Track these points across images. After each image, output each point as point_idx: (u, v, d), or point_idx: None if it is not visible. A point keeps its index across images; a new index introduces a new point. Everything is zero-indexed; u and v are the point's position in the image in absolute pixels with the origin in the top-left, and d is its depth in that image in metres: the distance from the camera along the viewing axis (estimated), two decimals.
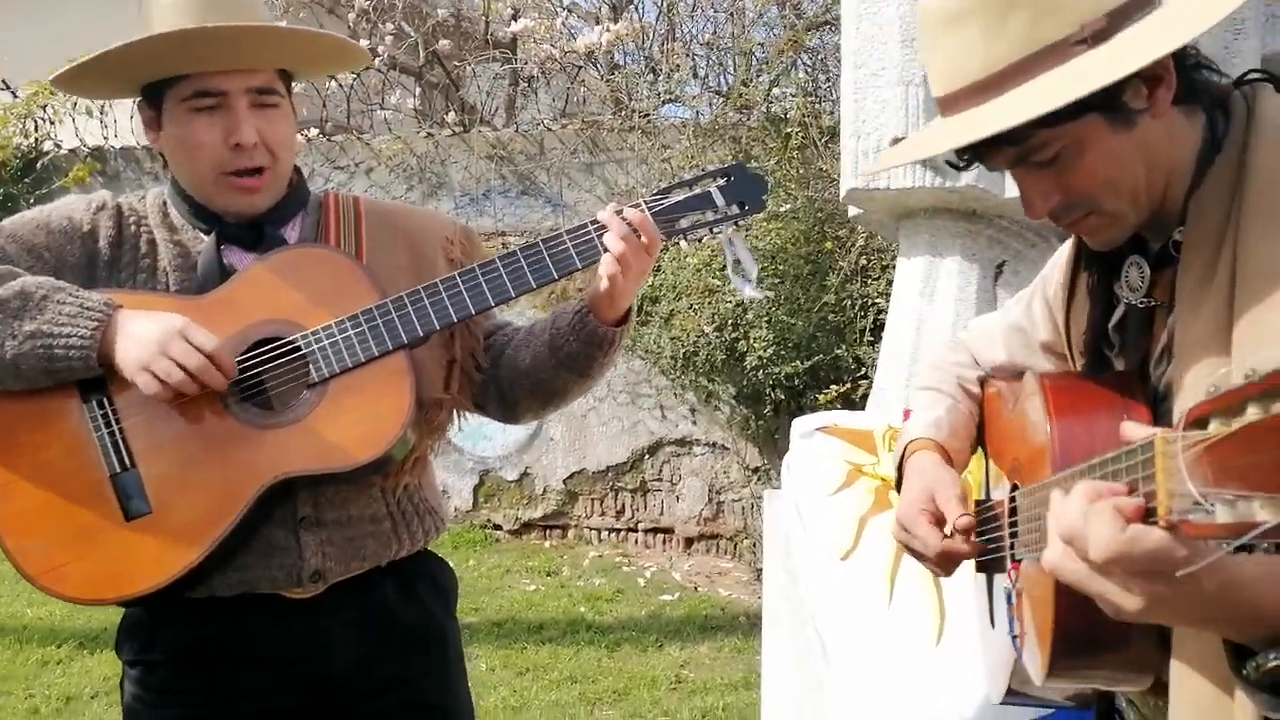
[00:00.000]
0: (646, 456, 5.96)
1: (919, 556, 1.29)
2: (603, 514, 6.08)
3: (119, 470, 1.44)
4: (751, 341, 5.10)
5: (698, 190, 1.56)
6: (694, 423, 5.87)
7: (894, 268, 2.80)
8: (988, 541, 1.30)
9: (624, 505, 6.04)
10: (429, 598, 1.64)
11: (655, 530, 5.98)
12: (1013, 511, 1.21)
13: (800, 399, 5.16)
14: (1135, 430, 0.83)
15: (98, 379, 1.44)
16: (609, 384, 5.94)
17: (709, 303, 5.24)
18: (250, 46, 1.48)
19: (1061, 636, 1.03)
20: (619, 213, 1.49)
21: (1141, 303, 1.12)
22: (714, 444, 5.84)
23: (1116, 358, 1.17)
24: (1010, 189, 2.47)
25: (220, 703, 1.52)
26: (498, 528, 6.19)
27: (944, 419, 1.37)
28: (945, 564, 1.26)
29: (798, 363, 5.04)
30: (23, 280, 1.42)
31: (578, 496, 6.09)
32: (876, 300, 4.87)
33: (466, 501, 6.18)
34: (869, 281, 4.96)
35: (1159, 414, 1.07)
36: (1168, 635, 1.01)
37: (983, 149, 1.05)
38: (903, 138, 2.43)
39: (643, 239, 1.48)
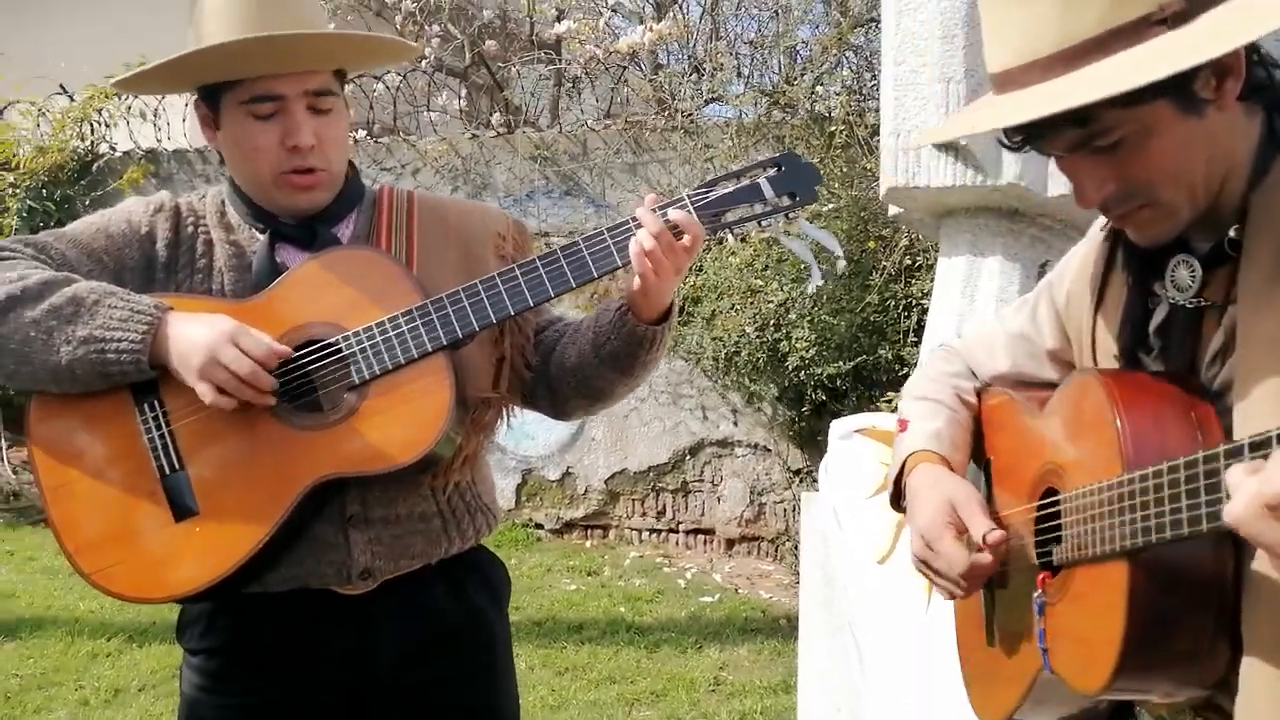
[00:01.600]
0: (688, 457, 5.94)
1: (937, 575, 1.25)
2: (644, 514, 6.07)
3: (169, 471, 1.47)
4: (793, 342, 5.06)
5: (745, 182, 1.50)
6: (735, 424, 5.84)
7: (936, 266, 2.76)
8: (1012, 552, 1.26)
9: (665, 506, 6.03)
10: (479, 595, 1.64)
11: (696, 531, 5.96)
12: (1048, 518, 1.17)
13: (843, 400, 5.12)
14: None
15: (150, 382, 1.47)
16: (651, 384, 5.94)
17: (751, 303, 5.21)
18: (306, 51, 1.49)
19: (1134, 641, 0.99)
20: (662, 210, 1.47)
21: (1191, 303, 1.08)
22: (756, 445, 5.81)
23: (1155, 361, 1.13)
24: (1053, 188, 2.42)
25: (272, 695, 1.55)
26: (539, 527, 6.21)
27: (944, 430, 1.33)
28: (971, 581, 1.22)
29: (840, 363, 4.99)
30: (75, 286, 1.45)
31: (619, 497, 6.10)
32: (921, 300, 4.81)
33: (509, 500, 6.21)
34: (913, 281, 4.91)
35: (1218, 413, 1.03)
36: (1238, 639, 0.98)
37: (1044, 129, 1.02)
38: None
39: (684, 238, 1.45)
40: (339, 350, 1.47)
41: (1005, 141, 1.08)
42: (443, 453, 1.50)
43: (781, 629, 4.59)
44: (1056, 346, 1.31)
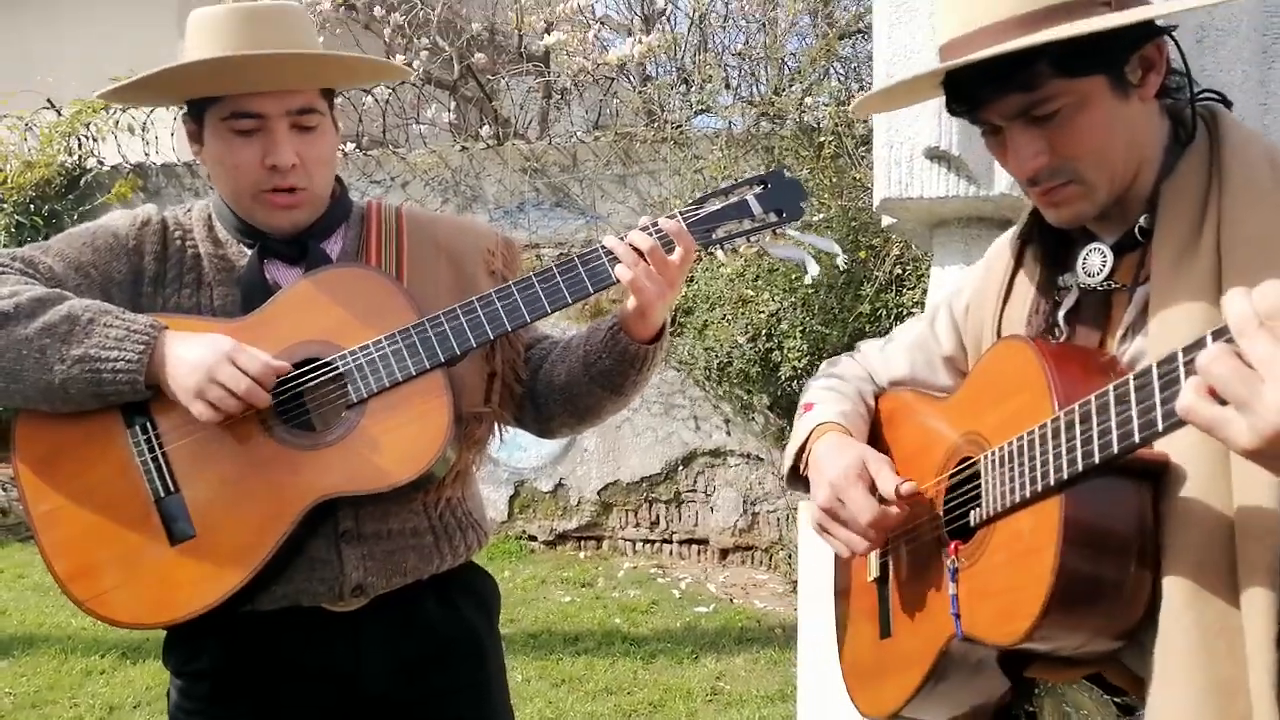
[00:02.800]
0: (681, 467, 5.95)
1: (842, 526, 1.27)
2: (637, 525, 6.07)
3: (163, 494, 1.45)
4: (785, 352, 5.08)
5: (734, 199, 1.54)
6: (728, 433, 5.86)
7: (928, 277, 2.78)
8: (909, 535, 1.29)
9: (658, 516, 6.03)
10: (470, 610, 1.64)
11: (690, 541, 5.97)
12: (960, 486, 1.21)
13: None
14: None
15: (141, 403, 1.45)
16: (643, 395, 5.93)
17: (743, 313, 5.23)
18: (288, 71, 1.49)
19: (1063, 580, 1.02)
20: (654, 225, 1.48)
21: (1103, 286, 1.17)
22: (749, 455, 5.82)
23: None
24: None
25: (263, 714, 1.53)
26: (533, 539, 6.21)
27: (850, 412, 1.39)
28: (876, 534, 1.25)
29: None
30: (70, 304, 1.44)
31: (612, 508, 6.10)
32: (912, 310, 4.83)
33: (501, 513, 6.21)
34: (904, 290, 4.93)
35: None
36: (1156, 587, 1.02)
37: (990, 94, 1.11)
38: (937, 146, 2.42)
39: (676, 251, 1.47)
40: (335, 369, 1.47)
41: (951, 108, 1.17)
42: (437, 472, 1.50)
43: (777, 638, 4.60)
44: (952, 353, 1.40)
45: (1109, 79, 1.10)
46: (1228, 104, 1.20)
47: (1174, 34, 1.15)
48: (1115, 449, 0.96)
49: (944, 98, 1.19)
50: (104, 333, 1.41)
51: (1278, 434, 0.81)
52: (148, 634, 4.69)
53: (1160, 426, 0.91)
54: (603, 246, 1.50)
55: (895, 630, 1.32)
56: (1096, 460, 0.98)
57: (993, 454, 1.14)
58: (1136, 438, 0.94)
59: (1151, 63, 1.12)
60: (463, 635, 1.62)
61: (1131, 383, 0.94)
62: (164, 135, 6.39)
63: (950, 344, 1.40)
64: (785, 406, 5.43)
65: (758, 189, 1.54)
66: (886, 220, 2.78)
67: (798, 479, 1.43)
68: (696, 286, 5.44)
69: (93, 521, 1.45)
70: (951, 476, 1.23)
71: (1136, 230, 1.15)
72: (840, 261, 1.57)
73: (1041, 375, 1.09)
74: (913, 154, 2.46)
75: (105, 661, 4.46)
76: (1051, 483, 1.04)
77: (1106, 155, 1.12)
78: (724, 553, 5.87)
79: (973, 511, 1.18)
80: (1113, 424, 0.96)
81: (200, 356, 1.41)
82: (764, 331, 5.19)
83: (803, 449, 1.40)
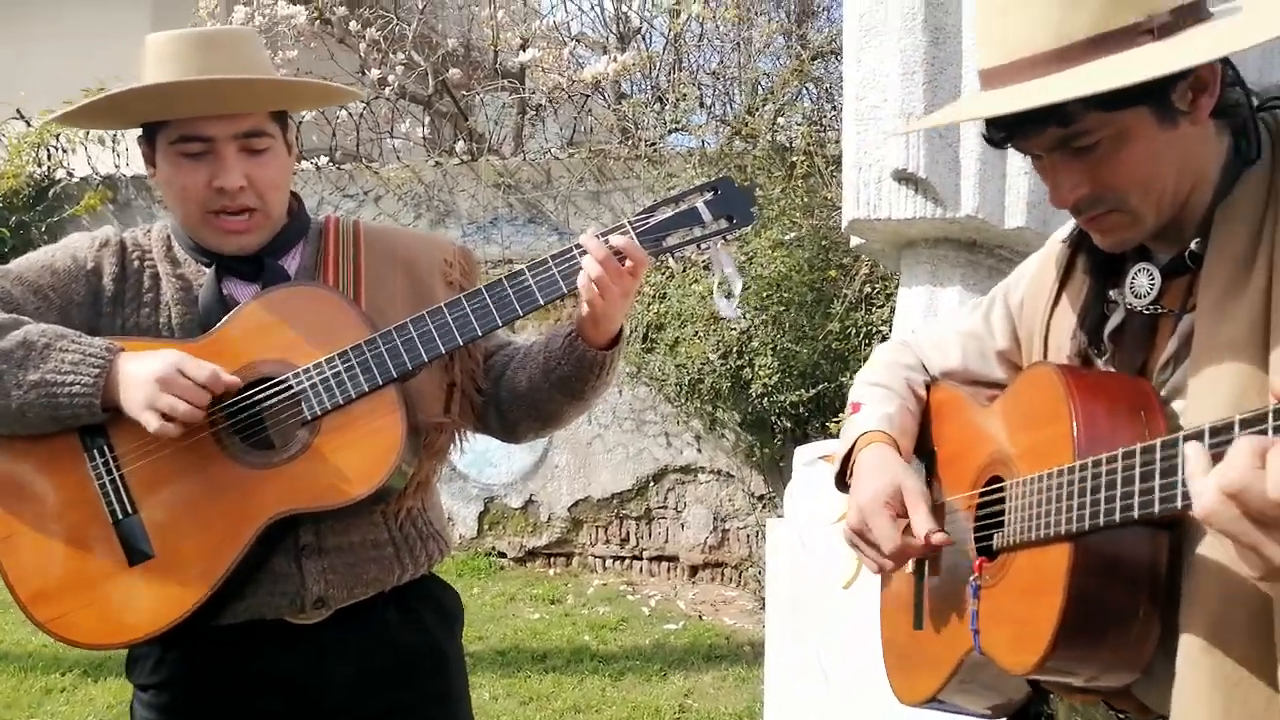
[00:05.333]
0: (651, 484, 5.95)
1: (867, 548, 1.28)
2: (607, 542, 6.06)
3: (121, 516, 1.46)
4: (756, 369, 5.10)
5: (684, 206, 1.54)
6: (699, 450, 5.87)
7: (897, 296, 2.82)
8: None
9: (629, 533, 6.03)
10: (433, 622, 1.65)
11: (660, 558, 5.96)
12: (990, 504, 1.20)
13: (805, 426, 5.16)
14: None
15: (98, 425, 1.46)
16: (614, 411, 5.95)
17: (714, 330, 5.26)
18: (233, 95, 1.49)
19: (1070, 621, 1.02)
20: (604, 236, 1.48)
21: (1148, 309, 1.13)
22: (719, 471, 5.84)
23: (1106, 364, 1.17)
24: (1010, 220, 2.49)
25: None
26: (502, 555, 6.18)
27: (895, 416, 1.37)
28: (897, 560, 1.26)
29: (802, 390, 5.04)
30: (25, 329, 1.45)
31: (582, 524, 6.09)
32: (880, 328, 4.87)
33: (471, 529, 6.18)
34: (873, 309, 4.98)
35: (1165, 415, 1.07)
36: (1169, 626, 1.02)
37: (1027, 126, 1.06)
38: (905, 169, 2.45)
39: (627, 263, 1.47)
40: (289, 387, 1.47)
41: (989, 136, 1.12)
42: (395, 485, 1.51)
43: (745, 655, 4.60)
44: (1006, 348, 1.36)
45: (1153, 109, 1.03)
46: None
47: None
48: (1135, 514, 0.95)
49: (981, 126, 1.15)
50: (60, 357, 1.42)
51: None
52: (109, 653, 4.62)
53: (1179, 505, 0.89)
54: (553, 257, 1.51)
55: (925, 625, 1.34)
56: (1117, 520, 0.97)
57: (1017, 484, 1.14)
58: (1156, 510, 0.92)
59: (1204, 84, 1.04)
60: (425, 646, 1.63)
61: (1158, 453, 0.91)
62: (134, 147, 6.34)
63: (1004, 338, 1.36)
64: (755, 424, 5.45)
65: (708, 195, 1.54)
66: (855, 240, 2.81)
67: (845, 484, 1.41)
68: (668, 304, 5.46)
69: (53, 545, 1.46)
70: (982, 495, 1.23)
71: (1187, 255, 1.09)
72: (735, 293, 1.55)
73: (1066, 414, 1.07)
74: (881, 176, 2.50)
75: (65, 680, 4.39)
76: (1063, 532, 1.04)
77: (1153, 185, 1.06)
78: (694, 569, 5.87)
79: (996, 535, 1.18)
80: (1136, 492, 0.94)
81: (149, 370, 1.42)
82: (735, 349, 5.22)
83: (849, 456, 1.39)
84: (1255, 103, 1.11)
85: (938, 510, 1.30)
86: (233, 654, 1.52)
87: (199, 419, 1.43)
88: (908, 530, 1.25)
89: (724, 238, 1.54)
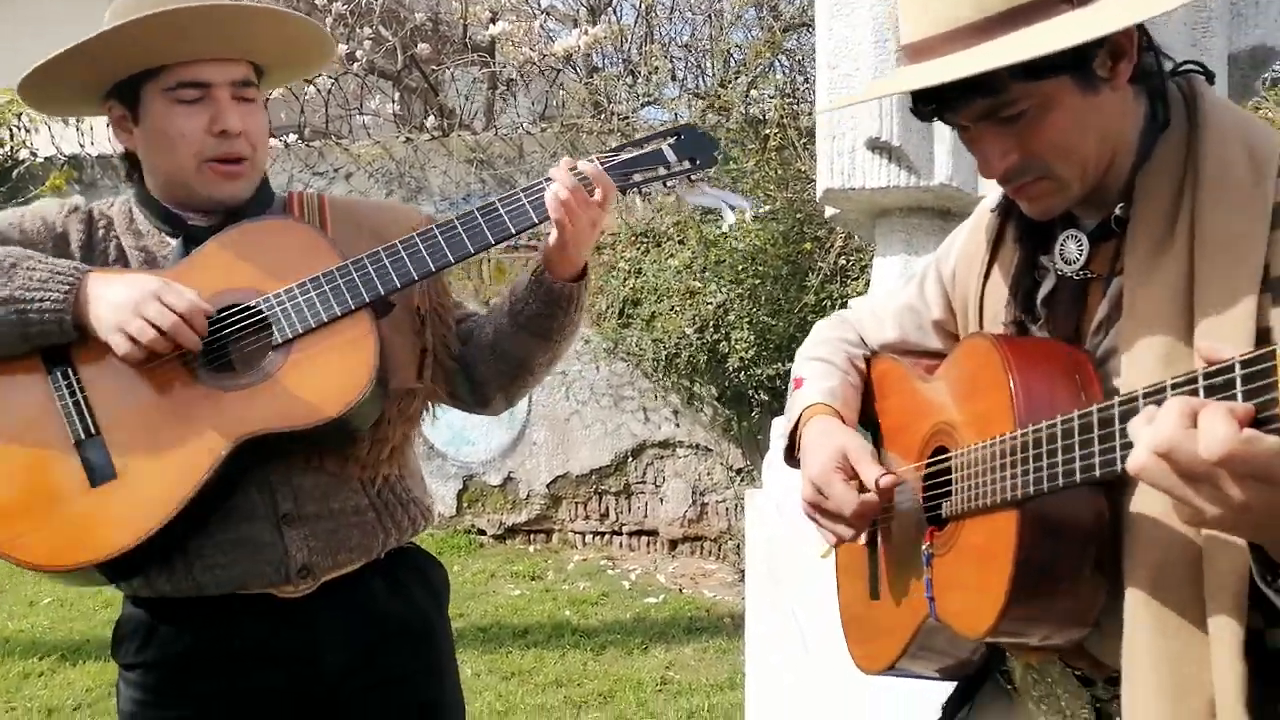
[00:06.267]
0: (630, 459, 5.96)
1: (829, 518, 1.29)
2: (587, 517, 6.08)
3: (83, 437, 1.43)
4: (733, 343, 5.11)
5: (649, 148, 1.60)
6: (677, 425, 5.88)
7: (872, 267, 2.82)
8: (895, 509, 1.32)
9: (608, 508, 6.04)
10: (420, 595, 1.65)
11: (639, 533, 5.99)
12: (937, 475, 1.22)
13: (782, 399, 5.17)
14: (1224, 351, 0.84)
15: (62, 347, 1.45)
16: (591, 387, 5.95)
17: (690, 304, 5.26)
18: (234, 32, 1.49)
19: (1020, 585, 1.04)
20: (573, 168, 1.52)
21: (1078, 275, 1.16)
22: (697, 446, 5.86)
23: (1040, 329, 1.20)
24: (984, 188, 2.49)
25: (216, 703, 1.53)
26: (481, 533, 6.19)
27: (838, 389, 1.39)
28: (859, 523, 1.27)
29: (779, 364, 5.06)
30: None
31: (561, 500, 6.10)
32: (856, 300, 4.89)
33: (450, 507, 6.17)
34: (848, 281, 4.99)
35: (1100, 378, 1.10)
36: (1115, 582, 1.05)
37: (955, 98, 1.08)
38: (878, 137, 2.45)
39: (596, 193, 1.50)
40: (259, 313, 1.47)
41: (917, 111, 1.15)
42: (361, 420, 1.50)
43: (726, 627, 4.63)
44: (942, 317, 1.39)
45: (1074, 77, 1.06)
46: (1210, 77, 1.15)
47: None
48: (1077, 478, 0.97)
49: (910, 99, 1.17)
50: (28, 275, 1.41)
51: (1222, 527, 0.83)
52: (87, 635, 4.60)
53: (1119, 468, 0.91)
54: (523, 190, 1.54)
55: (882, 595, 1.36)
56: (1060, 485, 0.99)
57: (961, 454, 1.16)
58: (1098, 472, 0.94)
59: (1122, 51, 1.07)
60: (414, 619, 1.63)
61: (1095, 417, 0.94)
62: (99, 126, 6.25)
63: (939, 308, 1.39)
64: (733, 397, 5.46)
65: (671, 140, 1.60)
66: (830, 211, 2.81)
67: (794, 459, 1.43)
68: (645, 279, 5.45)
69: (12, 467, 1.43)
70: (928, 465, 1.25)
71: (1113, 220, 1.12)
72: (748, 214, 1.62)
73: (1005, 383, 1.09)
74: (854, 145, 2.49)
75: (44, 664, 4.36)
76: (1008, 499, 1.05)
77: (1077, 151, 1.10)
78: (673, 543, 5.90)
79: (944, 504, 1.20)
80: (1076, 456, 0.96)
81: (126, 294, 1.40)
82: (711, 323, 5.22)
83: (794, 431, 1.40)
84: (1168, 69, 1.14)
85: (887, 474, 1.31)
86: (221, 631, 1.52)
87: (168, 348, 1.41)
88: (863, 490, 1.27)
89: (688, 179, 1.59)
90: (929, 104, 1.12)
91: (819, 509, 1.30)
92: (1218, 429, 0.80)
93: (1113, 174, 1.13)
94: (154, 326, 1.39)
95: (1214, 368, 0.84)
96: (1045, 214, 1.16)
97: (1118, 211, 1.11)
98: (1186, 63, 1.16)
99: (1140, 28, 1.10)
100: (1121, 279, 1.10)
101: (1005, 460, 1.06)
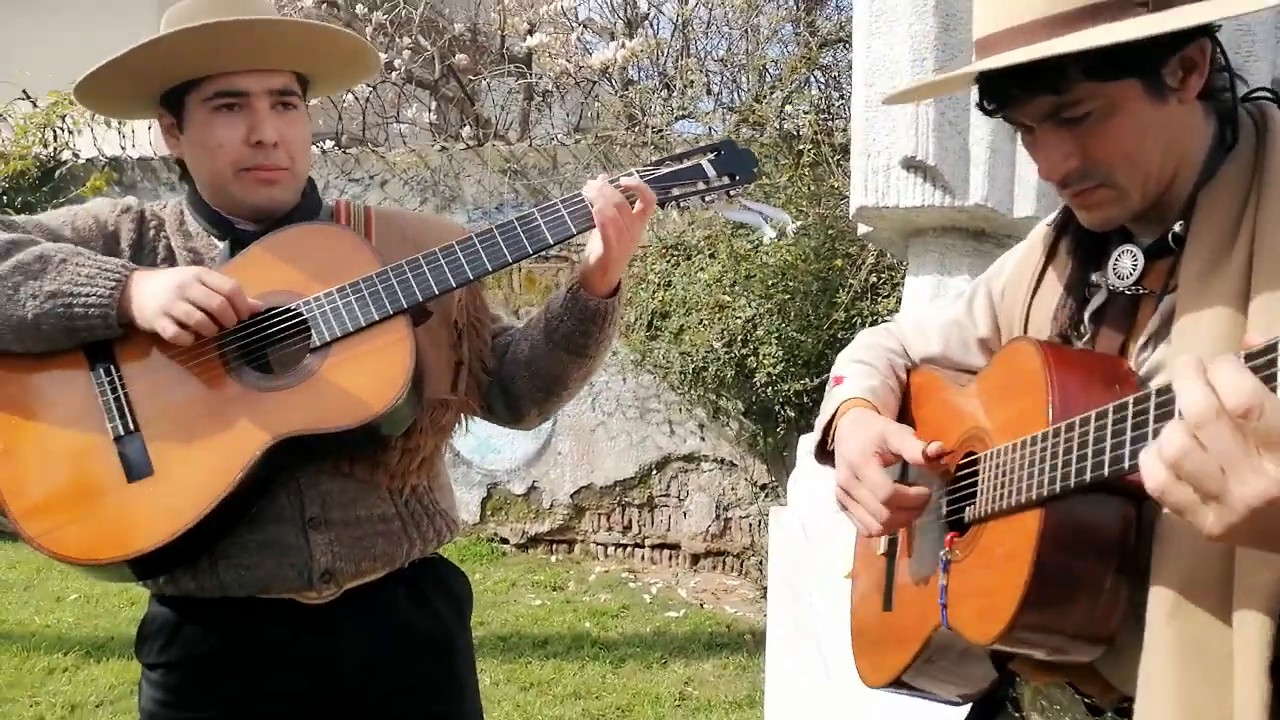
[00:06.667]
0: (654, 472, 5.95)
1: (858, 504, 1.27)
2: (609, 529, 6.07)
3: (123, 433, 1.45)
4: (761, 358, 5.09)
5: (689, 163, 1.60)
6: (702, 439, 5.86)
7: (904, 285, 2.80)
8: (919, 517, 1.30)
9: (631, 521, 6.03)
10: (442, 606, 1.65)
11: (662, 546, 5.96)
12: (963, 479, 1.21)
13: (809, 416, 5.15)
14: (1256, 337, 0.82)
15: (105, 345, 1.47)
16: (618, 399, 5.95)
17: (719, 318, 5.24)
18: (271, 45, 1.52)
19: (1037, 584, 1.02)
20: (614, 181, 1.53)
21: (1130, 290, 1.14)
22: (722, 460, 5.83)
23: (1086, 344, 1.18)
24: (1019, 209, 2.47)
25: (239, 706, 1.54)
26: (504, 541, 6.19)
27: (878, 389, 1.38)
28: (893, 510, 1.23)
29: (807, 380, 5.03)
30: (42, 245, 1.47)
31: (585, 511, 6.09)
32: (886, 318, 4.85)
33: (474, 515, 6.18)
34: (879, 299, 4.96)
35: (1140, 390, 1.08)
36: (1135, 602, 1.02)
37: (1019, 95, 1.07)
38: (914, 156, 2.44)
39: (637, 205, 1.51)
40: (299, 315, 1.49)
41: (982, 105, 1.13)
42: (393, 425, 1.50)
43: (746, 644, 4.60)
44: (987, 335, 1.38)
45: (1143, 83, 1.05)
46: None
47: (1218, 32, 1.10)
48: (1105, 472, 0.94)
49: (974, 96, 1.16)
50: (76, 270, 1.44)
51: (1243, 524, 0.80)
52: (111, 632, 4.64)
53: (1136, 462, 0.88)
54: (562, 200, 1.54)
55: (895, 606, 1.34)
56: (1088, 480, 0.96)
57: (990, 455, 1.14)
58: (1126, 464, 0.91)
59: (1194, 64, 1.06)
60: (436, 629, 1.63)
61: (1131, 408, 0.91)
62: (140, 129, 6.35)
63: (986, 326, 1.38)
64: (759, 412, 5.44)
65: (711, 155, 1.61)
66: (862, 229, 2.80)
67: (826, 454, 1.42)
68: (673, 291, 5.45)
69: (51, 459, 1.45)
70: (957, 469, 1.23)
71: (1170, 237, 1.10)
72: (790, 230, 1.62)
73: (1043, 384, 1.07)
74: (889, 163, 2.48)
75: (68, 659, 4.39)
76: (1034, 497, 1.03)
77: (1139, 160, 1.08)
78: (695, 558, 5.87)
79: (968, 508, 1.18)
80: (1107, 447, 0.93)
81: (170, 280, 1.43)
82: (740, 337, 5.20)
83: (830, 424, 1.40)
84: (1234, 91, 1.12)
85: (915, 485, 1.29)
86: (243, 634, 1.53)
87: (213, 331, 1.43)
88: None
89: (727, 194, 1.59)
90: (993, 101, 1.11)
91: (851, 495, 1.29)
92: (1241, 381, 0.77)
93: (1174, 191, 1.11)
94: (199, 308, 1.41)
95: (1254, 349, 0.81)
96: (1103, 224, 1.15)
97: (1176, 229, 1.09)
98: (1256, 90, 1.14)
99: (1216, 45, 1.08)
100: (1174, 295, 1.08)
101: (1034, 458, 1.04)
